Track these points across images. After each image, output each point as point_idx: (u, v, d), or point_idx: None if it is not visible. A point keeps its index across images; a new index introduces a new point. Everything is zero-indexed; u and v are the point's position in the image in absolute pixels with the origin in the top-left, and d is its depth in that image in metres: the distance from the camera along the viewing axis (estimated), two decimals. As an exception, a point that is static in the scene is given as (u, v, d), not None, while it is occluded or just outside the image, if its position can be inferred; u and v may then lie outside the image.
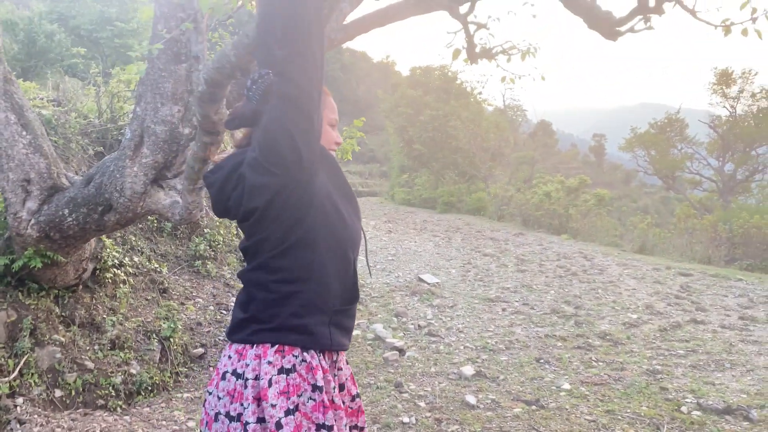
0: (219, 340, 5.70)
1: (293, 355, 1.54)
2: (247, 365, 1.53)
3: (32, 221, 3.96)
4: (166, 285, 6.01)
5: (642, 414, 4.42)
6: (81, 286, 4.87)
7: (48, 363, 4.22)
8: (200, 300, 6.26)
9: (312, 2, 1.43)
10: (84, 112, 6.32)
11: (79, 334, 4.58)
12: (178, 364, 5.12)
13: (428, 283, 9.47)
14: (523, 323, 7.32)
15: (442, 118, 22.61)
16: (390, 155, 31.26)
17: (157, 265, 6.23)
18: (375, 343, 6.49)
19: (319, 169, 1.56)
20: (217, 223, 7.56)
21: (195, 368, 5.28)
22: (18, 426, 3.77)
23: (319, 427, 1.52)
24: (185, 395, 4.77)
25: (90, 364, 4.42)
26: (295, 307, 1.55)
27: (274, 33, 1.44)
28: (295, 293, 1.55)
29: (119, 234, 6.08)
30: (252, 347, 1.55)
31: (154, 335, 5.04)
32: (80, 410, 4.14)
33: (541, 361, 5.82)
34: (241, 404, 1.52)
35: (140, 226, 6.72)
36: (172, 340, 5.09)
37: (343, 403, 1.70)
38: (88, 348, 4.55)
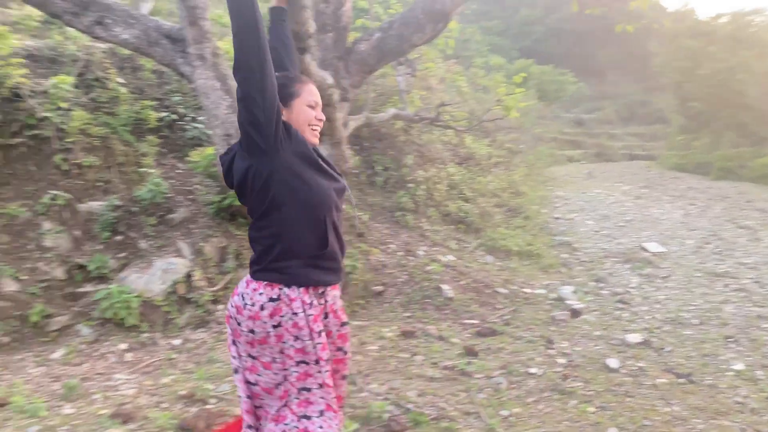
0: (398, 281, 6.33)
1: (279, 288, 2.02)
2: (248, 293, 2.07)
3: (232, 168, 4.98)
4: (363, 230, 6.83)
5: (815, 410, 3.79)
6: (282, 225, 5.90)
7: (246, 282, 5.30)
8: (392, 246, 6.96)
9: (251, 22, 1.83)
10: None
11: (275, 262, 5.60)
12: (357, 297, 5.89)
13: (650, 252, 8.81)
14: (739, 302, 6.48)
15: (727, 71, 19.70)
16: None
17: (360, 213, 7.10)
18: (555, 303, 6.46)
19: (280, 149, 1.95)
20: (421, 180, 8.17)
21: (373, 303, 6.00)
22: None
23: (296, 338, 2.04)
24: (355, 323, 5.51)
25: (278, 287, 5.41)
26: (276, 255, 2.03)
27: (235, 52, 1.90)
28: (275, 244, 2.03)
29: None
30: (253, 282, 2.09)
31: (337, 270, 5.87)
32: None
33: (730, 340, 5.20)
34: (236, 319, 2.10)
35: (353, 179, 7.66)
36: (352, 276, 5.86)
37: (329, 328, 2.22)
38: (279, 274, 5.55)
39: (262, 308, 2.01)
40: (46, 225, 4.91)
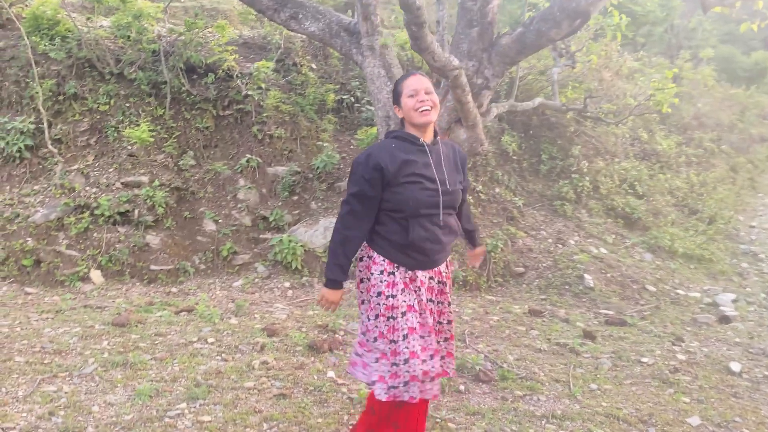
0: (541, 266, 6.59)
1: (371, 251, 2.60)
2: (363, 261, 2.68)
3: (389, 145, 5.69)
4: (515, 215, 7.17)
5: None
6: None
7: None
8: (544, 232, 7.19)
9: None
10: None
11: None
12: (496, 275, 6.30)
13: None
14: None
15: None
16: None
17: (515, 198, 7.44)
18: (705, 307, 6.25)
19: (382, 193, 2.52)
20: (587, 171, 8.19)
21: (511, 282, 6.36)
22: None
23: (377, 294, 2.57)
24: (488, 297, 5.95)
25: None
26: (378, 237, 2.58)
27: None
28: (379, 231, 2.58)
29: (489, 168, 7.52)
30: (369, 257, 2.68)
31: (480, 247, 6.33)
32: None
33: None
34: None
35: (514, 166, 7.99)
36: (492, 254, 6.28)
37: (430, 301, 2.65)
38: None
39: (360, 260, 2.62)
40: (241, 182, 6.09)
